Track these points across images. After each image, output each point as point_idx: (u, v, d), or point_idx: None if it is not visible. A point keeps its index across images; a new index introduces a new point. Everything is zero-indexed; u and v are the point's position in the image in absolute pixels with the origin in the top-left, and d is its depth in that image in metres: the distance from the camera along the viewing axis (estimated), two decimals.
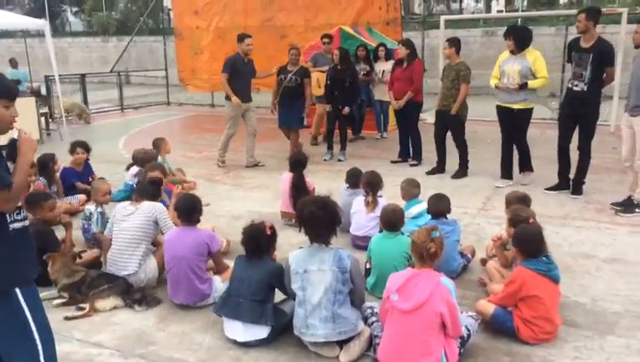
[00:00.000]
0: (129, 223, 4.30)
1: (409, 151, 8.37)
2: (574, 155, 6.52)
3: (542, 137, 9.25)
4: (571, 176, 6.62)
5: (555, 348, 3.43)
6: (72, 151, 6.61)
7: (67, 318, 3.82)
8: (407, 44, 7.96)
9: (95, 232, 4.98)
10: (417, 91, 7.91)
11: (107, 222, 4.66)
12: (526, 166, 7.05)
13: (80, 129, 12.00)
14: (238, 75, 8.02)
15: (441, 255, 3.19)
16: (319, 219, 3.35)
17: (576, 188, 6.52)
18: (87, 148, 6.74)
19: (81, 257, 4.34)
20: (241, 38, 8.10)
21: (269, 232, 3.69)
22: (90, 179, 6.54)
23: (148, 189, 4.75)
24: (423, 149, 8.28)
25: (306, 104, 8.42)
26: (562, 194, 6.57)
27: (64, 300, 4.04)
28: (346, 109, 8.47)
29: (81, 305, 3.96)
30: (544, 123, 10.52)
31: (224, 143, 8.45)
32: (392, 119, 9.58)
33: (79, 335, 3.66)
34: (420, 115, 12.22)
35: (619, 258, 4.76)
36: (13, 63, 14.18)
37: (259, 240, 3.65)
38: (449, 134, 7.65)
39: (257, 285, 3.52)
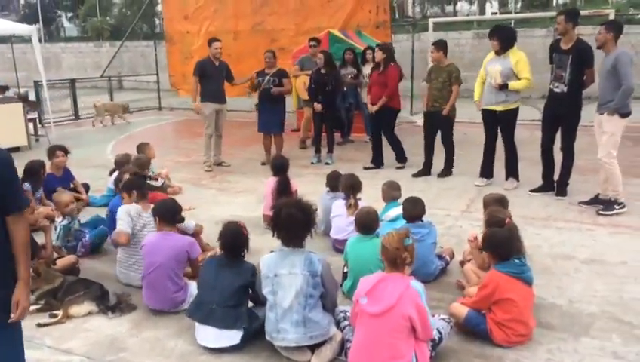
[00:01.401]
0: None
1: (382, 157, 8.30)
2: (559, 157, 6.52)
3: (531, 138, 9.22)
4: (556, 177, 6.62)
5: (528, 350, 3.41)
6: (51, 154, 6.53)
7: (39, 325, 3.79)
8: (384, 48, 7.96)
9: (53, 245, 4.79)
10: (391, 96, 7.82)
11: (77, 232, 4.63)
12: (512, 172, 7.02)
13: (68, 134, 11.97)
14: (208, 77, 8.31)
15: (413, 261, 3.18)
16: (296, 221, 3.34)
17: (560, 190, 6.52)
18: (66, 151, 6.67)
19: (55, 263, 4.32)
20: (210, 42, 8.45)
21: (245, 233, 3.69)
22: (72, 185, 6.51)
23: (134, 182, 4.74)
24: (411, 152, 8.27)
25: (299, 105, 8.49)
26: (546, 196, 6.56)
27: (39, 306, 4.01)
28: (317, 106, 8.45)
29: (55, 312, 3.93)
30: (533, 124, 10.48)
31: (206, 145, 8.58)
32: None
33: (50, 342, 3.63)
34: (411, 117, 12.30)
35: (598, 259, 4.75)
36: None
37: (237, 241, 3.65)
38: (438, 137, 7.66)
39: (230, 291, 3.51)
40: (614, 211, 5.82)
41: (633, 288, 4.20)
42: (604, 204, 5.95)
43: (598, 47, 5.81)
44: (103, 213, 5.67)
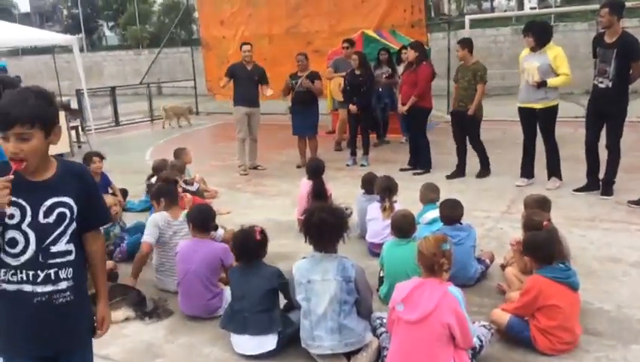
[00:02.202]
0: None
1: (419, 158, 8.08)
2: (604, 155, 6.27)
3: (574, 136, 8.93)
4: (601, 176, 6.37)
5: (574, 358, 3.26)
6: (88, 161, 6.62)
7: None
8: (416, 46, 7.80)
9: None
10: (422, 96, 7.64)
11: (116, 237, 4.67)
12: (554, 171, 6.79)
13: (109, 141, 12.23)
14: (239, 80, 8.40)
15: (451, 267, 3.07)
16: (328, 226, 3.27)
17: (606, 189, 6.27)
18: (101, 157, 6.76)
19: None
20: (240, 46, 8.62)
21: (258, 237, 3.64)
22: (110, 190, 6.60)
23: (161, 189, 4.76)
24: (446, 153, 8.10)
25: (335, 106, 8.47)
26: (591, 196, 6.32)
27: None
28: (352, 107, 8.37)
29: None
30: (576, 121, 10.16)
31: (239, 150, 8.63)
32: None
33: None
34: (447, 116, 12.07)
35: None
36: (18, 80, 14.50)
37: (248, 245, 3.60)
38: None
39: (258, 296, 3.47)
40: None
41: None
42: None
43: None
44: (142, 218, 5.75)
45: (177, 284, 4.06)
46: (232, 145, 9.16)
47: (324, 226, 3.23)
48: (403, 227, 4.10)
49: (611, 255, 4.72)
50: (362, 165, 8.46)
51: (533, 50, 6.48)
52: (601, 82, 6.03)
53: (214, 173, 8.47)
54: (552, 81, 6.35)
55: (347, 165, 8.59)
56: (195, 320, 3.96)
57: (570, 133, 8.94)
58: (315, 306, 3.23)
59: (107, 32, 43.07)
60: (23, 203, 2.00)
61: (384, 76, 9.59)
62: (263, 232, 3.73)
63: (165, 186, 4.82)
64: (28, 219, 2.01)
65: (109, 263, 4.68)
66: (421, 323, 2.93)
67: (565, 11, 18.19)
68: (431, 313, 2.91)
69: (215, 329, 3.79)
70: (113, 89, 14.96)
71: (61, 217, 2.07)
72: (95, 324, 2.30)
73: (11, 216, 2.00)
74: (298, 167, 8.61)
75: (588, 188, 6.42)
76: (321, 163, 5.83)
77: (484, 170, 7.49)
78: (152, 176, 6.89)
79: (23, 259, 2.04)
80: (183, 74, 22.50)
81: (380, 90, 9.65)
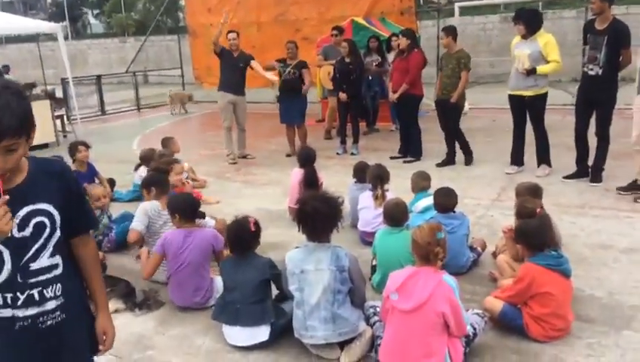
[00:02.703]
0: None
1: (410, 146, 8.06)
2: (593, 142, 6.28)
3: (562, 123, 8.96)
4: (590, 163, 6.39)
5: (566, 345, 3.27)
6: (74, 151, 6.51)
7: None
8: (407, 34, 7.75)
9: None
10: (413, 83, 7.61)
11: (105, 227, 4.61)
12: (544, 158, 6.79)
13: (95, 130, 12.08)
14: (225, 66, 8.33)
15: (446, 256, 3.06)
16: (322, 215, 3.23)
17: (595, 176, 6.29)
18: (87, 146, 6.65)
19: None
20: (226, 34, 8.44)
21: (253, 228, 3.60)
22: (96, 180, 6.51)
23: (152, 178, 4.70)
24: (437, 140, 8.08)
25: (305, 89, 8.40)
26: (581, 182, 6.34)
27: None
28: (342, 95, 8.31)
29: None
30: (565, 109, 10.18)
31: (226, 139, 8.56)
32: None
33: None
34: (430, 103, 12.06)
35: (638, 248, 4.54)
36: (6, 70, 14.38)
37: (242, 236, 3.56)
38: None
39: (251, 287, 3.44)
40: None
41: None
42: None
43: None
44: (129, 208, 5.68)
45: (168, 276, 4.00)
46: (221, 134, 9.07)
47: (317, 215, 3.19)
48: (395, 215, 4.08)
49: (601, 241, 4.74)
50: (352, 153, 8.43)
51: (524, 37, 6.46)
52: (591, 69, 6.02)
53: (203, 163, 8.40)
54: (541, 69, 6.34)
55: (337, 153, 8.55)
56: (186, 311, 3.92)
57: (559, 121, 8.98)
58: (309, 296, 3.21)
59: (92, 20, 42.41)
60: None
61: (374, 64, 9.54)
62: (256, 223, 3.70)
63: (156, 175, 4.76)
64: None
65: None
66: (415, 312, 2.91)
67: None
68: (425, 302, 2.90)
69: (207, 319, 3.75)
70: (99, 77, 14.78)
71: (39, 228, 1.78)
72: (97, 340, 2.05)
73: None
74: (288, 155, 8.56)
75: (577, 175, 6.45)
76: (312, 151, 5.78)
77: (468, 157, 7.49)
78: (139, 165, 6.82)
79: None
80: (169, 62, 22.29)
81: (370, 78, 9.61)
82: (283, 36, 12.69)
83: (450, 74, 7.14)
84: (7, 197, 1.63)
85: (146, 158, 6.67)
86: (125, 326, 3.75)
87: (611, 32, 5.81)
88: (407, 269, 3.10)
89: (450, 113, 7.34)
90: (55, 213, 1.81)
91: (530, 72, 6.34)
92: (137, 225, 4.34)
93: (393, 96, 7.76)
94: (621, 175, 6.26)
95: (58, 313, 1.86)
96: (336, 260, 3.20)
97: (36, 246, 1.79)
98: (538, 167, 6.79)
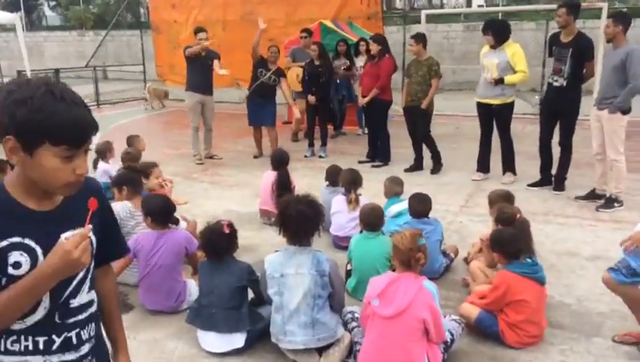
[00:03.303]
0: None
1: (378, 151, 8.08)
2: (557, 151, 6.46)
3: (523, 132, 9.20)
4: (553, 172, 6.56)
5: (540, 351, 3.34)
6: None
7: None
8: (378, 39, 7.77)
9: None
10: (383, 88, 7.62)
11: None
12: (509, 166, 6.94)
13: None
14: (193, 66, 8.14)
15: (427, 262, 3.07)
16: (306, 218, 3.20)
17: (559, 185, 6.46)
18: None
19: None
20: (196, 31, 8.24)
21: (227, 231, 3.52)
22: None
23: (124, 176, 4.55)
24: (402, 145, 8.14)
25: (286, 99, 8.43)
26: (544, 191, 6.51)
27: None
28: (311, 98, 8.31)
29: None
30: (525, 118, 10.46)
31: (193, 139, 8.44)
32: None
33: None
34: (402, 110, 12.19)
35: (603, 255, 4.67)
36: None
37: (217, 241, 3.49)
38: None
39: (228, 292, 3.37)
40: (614, 209, 5.77)
41: None
42: (603, 201, 5.89)
43: (608, 41, 5.71)
44: None
45: (139, 278, 3.89)
46: (186, 133, 8.94)
47: (301, 218, 3.15)
48: (371, 221, 4.08)
49: (567, 249, 4.87)
50: (320, 156, 8.42)
51: (492, 47, 6.58)
52: (556, 80, 6.18)
53: (168, 162, 8.19)
54: (509, 78, 6.48)
55: (305, 156, 8.52)
56: (157, 314, 3.82)
57: (520, 130, 9.19)
58: (288, 301, 3.17)
59: (48, 12, 41.10)
60: (32, 244, 1.43)
61: (342, 68, 9.55)
62: (230, 225, 3.62)
63: (129, 173, 4.61)
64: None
65: None
66: (396, 319, 2.91)
67: (521, 10, 18.67)
68: (406, 308, 2.90)
69: (179, 323, 3.67)
70: (57, 71, 14.30)
71: None
72: None
73: (16, 265, 1.40)
74: (255, 157, 8.49)
75: (541, 183, 6.61)
76: (285, 154, 5.74)
77: (437, 165, 7.53)
78: (97, 160, 6.63)
79: (30, 320, 1.46)
80: (130, 58, 21.80)
81: (338, 81, 9.61)
82: (249, 36, 12.49)
83: (421, 81, 7.18)
84: (90, 226, 1.44)
85: (102, 152, 6.49)
86: None
87: (576, 45, 5.99)
88: (387, 275, 3.10)
89: (419, 120, 7.38)
90: (94, 238, 1.56)
91: (498, 81, 6.46)
92: None
93: (363, 101, 7.78)
94: (581, 183, 6.45)
95: (89, 357, 1.61)
96: (317, 264, 3.17)
97: (78, 278, 1.54)
98: (503, 174, 6.93)
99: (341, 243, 4.79)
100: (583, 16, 15.86)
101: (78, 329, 1.55)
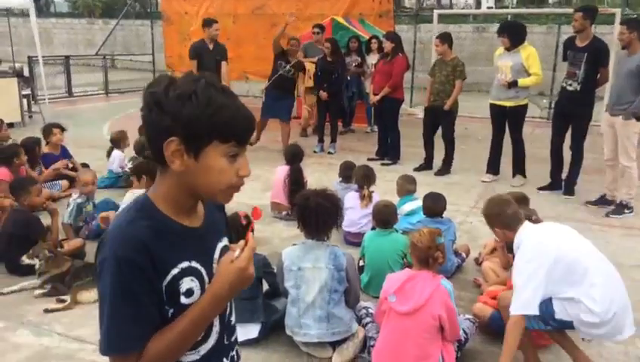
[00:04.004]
0: None
1: (387, 149, 8.08)
2: (567, 155, 6.47)
3: (532, 136, 9.20)
4: (564, 175, 6.57)
5: (551, 353, 3.36)
6: (48, 133, 6.30)
7: (47, 311, 3.65)
8: (392, 37, 7.76)
9: (63, 222, 4.68)
10: (395, 87, 7.61)
11: (88, 213, 4.47)
12: (520, 169, 6.94)
13: (62, 112, 11.70)
14: (203, 60, 7.98)
15: (445, 261, 3.10)
16: (326, 211, 3.22)
17: (569, 189, 6.47)
18: (62, 129, 6.46)
19: (62, 246, 4.18)
20: (209, 23, 8.09)
21: (243, 221, 3.54)
22: (70, 164, 6.33)
23: (144, 165, 4.59)
24: (411, 145, 8.16)
25: (298, 93, 8.44)
26: (554, 194, 6.52)
27: (45, 291, 3.87)
28: (322, 94, 8.30)
29: (62, 297, 3.79)
30: (533, 121, 10.47)
31: None
32: None
33: (60, 328, 3.50)
34: (411, 109, 12.20)
35: (613, 261, 4.61)
36: None
37: (236, 231, 3.50)
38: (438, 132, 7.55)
39: None
40: (624, 215, 5.78)
41: None
42: (614, 206, 5.90)
43: (623, 48, 5.72)
44: (105, 195, 5.56)
45: None
46: None
47: (321, 212, 3.17)
48: (385, 217, 4.10)
49: None
50: (330, 153, 8.43)
51: (507, 49, 6.59)
52: (570, 85, 6.18)
53: None
54: (522, 81, 6.48)
55: (314, 152, 8.51)
56: None
57: (529, 133, 9.17)
58: (305, 294, 3.19)
59: None
60: (198, 266, 1.32)
61: (353, 65, 9.56)
62: (247, 216, 3.63)
63: (150, 163, 4.62)
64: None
65: (78, 241, 4.51)
66: (413, 315, 2.94)
67: (525, 13, 18.66)
68: (423, 305, 2.93)
69: None
70: (67, 58, 14.31)
71: None
72: None
73: (189, 293, 1.29)
74: (250, 144, 8.40)
75: (551, 187, 6.62)
76: (300, 149, 5.77)
77: (446, 168, 7.48)
78: (111, 149, 6.68)
79: (204, 349, 1.36)
80: (138, 47, 21.80)
81: (349, 78, 9.62)
82: (259, 30, 12.63)
83: (444, 80, 7.14)
84: (251, 234, 1.34)
85: (116, 141, 6.53)
86: None
87: (591, 50, 5.99)
88: (405, 272, 3.12)
89: (443, 121, 7.34)
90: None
91: (512, 84, 6.47)
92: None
93: (375, 99, 7.78)
94: (591, 189, 6.46)
95: None
96: (335, 259, 3.19)
97: None
98: (513, 176, 6.94)
99: (352, 240, 4.81)
100: (595, 21, 15.85)
101: (236, 348, 1.50)
